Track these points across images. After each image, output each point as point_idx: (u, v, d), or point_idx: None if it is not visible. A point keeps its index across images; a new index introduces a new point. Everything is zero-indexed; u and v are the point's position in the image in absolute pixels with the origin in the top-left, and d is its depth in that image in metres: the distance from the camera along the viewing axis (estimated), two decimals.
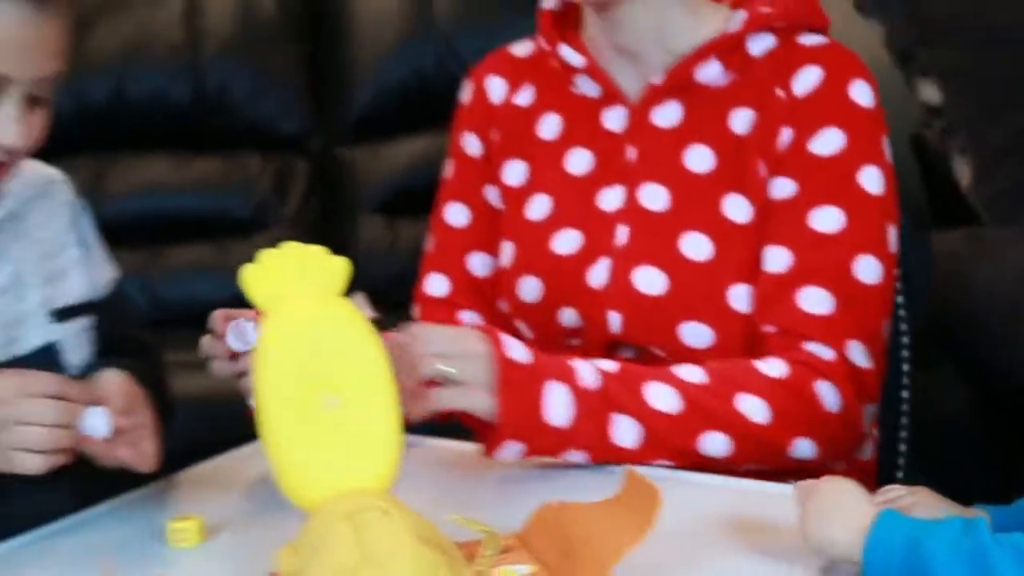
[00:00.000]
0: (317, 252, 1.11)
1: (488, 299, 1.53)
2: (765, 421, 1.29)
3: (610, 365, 1.29)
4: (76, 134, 2.76)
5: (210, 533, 1.20)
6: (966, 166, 2.70)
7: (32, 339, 1.30)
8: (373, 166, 2.79)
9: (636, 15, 1.41)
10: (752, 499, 1.20)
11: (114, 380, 1.24)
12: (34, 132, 1.24)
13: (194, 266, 2.69)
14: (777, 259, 1.36)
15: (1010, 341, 2.30)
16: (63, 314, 1.34)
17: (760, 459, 1.29)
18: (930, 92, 2.75)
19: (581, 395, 1.23)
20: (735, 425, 1.29)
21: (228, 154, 2.78)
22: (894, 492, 1.13)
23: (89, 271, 1.40)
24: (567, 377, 1.24)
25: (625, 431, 1.25)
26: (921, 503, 1.12)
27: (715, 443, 1.28)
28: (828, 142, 1.38)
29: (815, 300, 1.34)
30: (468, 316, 1.54)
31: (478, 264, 1.54)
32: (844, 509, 1.03)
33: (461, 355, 1.23)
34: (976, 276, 2.39)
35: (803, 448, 1.32)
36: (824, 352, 1.34)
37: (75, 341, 1.35)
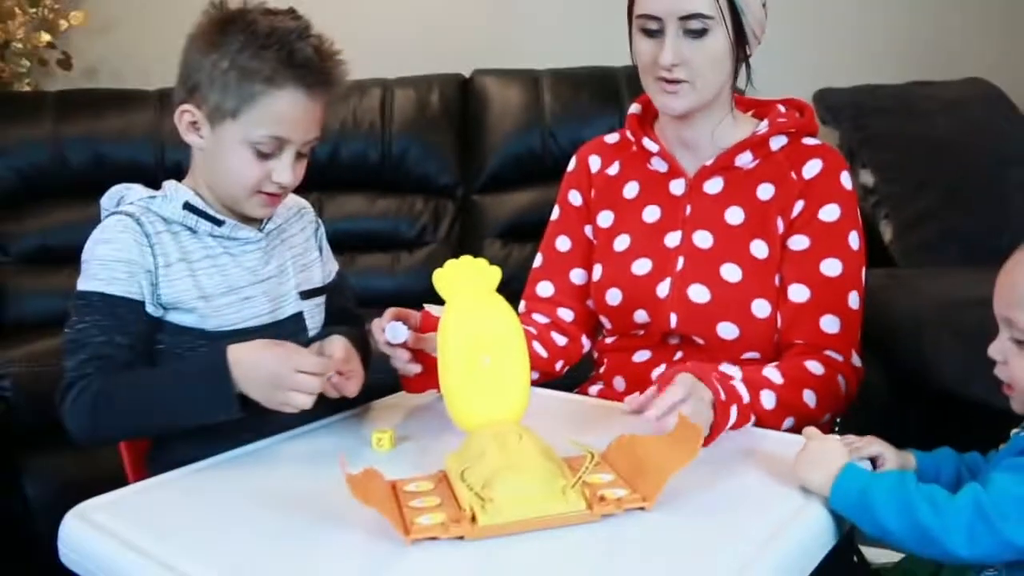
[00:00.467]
0: (480, 262, 1.11)
1: (581, 300, 1.51)
2: (814, 405, 1.30)
3: (738, 373, 1.27)
4: (308, 178, 2.78)
5: (400, 442, 1.20)
6: (888, 228, 2.65)
7: (288, 310, 1.32)
8: (495, 208, 2.75)
9: (698, 122, 1.40)
10: (772, 443, 1.18)
11: (338, 341, 1.26)
12: (299, 176, 1.27)
13: (376, 268, 2.67)
14: (799, 293, 1.35)
15: (917, 348, 2.25)
16: (307, 294, 1.35)
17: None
18: (867, 177, 2.70)
19: (741, 409, 1.20)
20: (800, 411, 1.28)
21: (402, 196, 2.77)
22: (852, 437, 1.12)
23: (323, 266, 1.41)
24: (738, 400, 1.21)
25: (751, 422, 1.24)
26: (870, 444, 1.11)
27: (788, 423, 1.28)
28: (830, 213, 1.36)
29: (829, 323, 1.34)
30: (564, 312, 1.51)
31: (576, 276, 1.51)
32: (823, 461, 1.01)
33: (699, 400, 1.15)
34: (895, 302, 2.34)
35: (826, 417, 1.34)
36: (838, 357, 1.34)
37: (313, 312, 1.36)
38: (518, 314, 1.50)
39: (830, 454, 1.02)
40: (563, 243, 1.53)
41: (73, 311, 1.21)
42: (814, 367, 1.32)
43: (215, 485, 1.10)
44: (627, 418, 1.14)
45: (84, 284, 1.21)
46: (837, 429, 1.49)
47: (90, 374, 1.17)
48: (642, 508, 0.96)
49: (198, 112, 1.23)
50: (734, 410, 1.19)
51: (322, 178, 2.72)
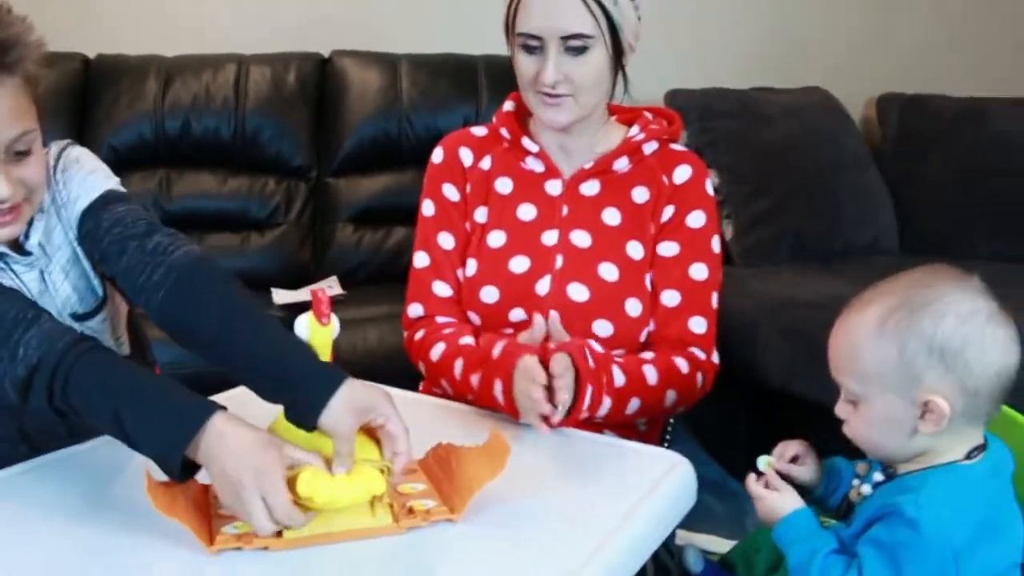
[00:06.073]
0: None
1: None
2: (671, 403, 1.36)
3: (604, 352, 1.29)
4: (156, 153, 2.66)
5: None
6: (729, 228, 2.73)
7: None
8: (348, 191, 2.71)
9: (578, 131, 1.42)
10: (590, 448, 1.18)
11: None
12: (27, 179, 1.06)
13: (225, 248, 2.57)
14: (670, 298, 1.40)
15: (748, 346, 2.34)
16: (81, 317, 1.22)
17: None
18: (713, 179, 2.75)
19: (599, 395, 1.24)
20: (657, 407, 1.36)
21: (254, 176, 2.69)
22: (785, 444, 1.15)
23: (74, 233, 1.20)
24: (603, 385, 1.24)
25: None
26: (789, 447, 1.14)
27: (634, 406, 1.33)
28: (696, 219, 1.41)
29: (696, 324, 1.40)
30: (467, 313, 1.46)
31: (460, 275, 1.46)
32: (778, 510, 1.06)
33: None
34: (729, 301, 2.41)
35: (679, 409, 1.40)
36: (701, 354, 1.40)
37: (98, 331, 1.23)
38: (413, 319, 1.44)
39: (782, 501, 1.07)
40: (446, 240, 1.45)
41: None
42: (681, 364, 1.36)
43: (32, 489, 1.05)
44: (447, 427, 1.14)
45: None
46: (670, 429, 1.54)
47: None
48: (450, 520, 0.95)
49: None
50: (589, 392, 1.21)
51: (172, 153, 2.64)
